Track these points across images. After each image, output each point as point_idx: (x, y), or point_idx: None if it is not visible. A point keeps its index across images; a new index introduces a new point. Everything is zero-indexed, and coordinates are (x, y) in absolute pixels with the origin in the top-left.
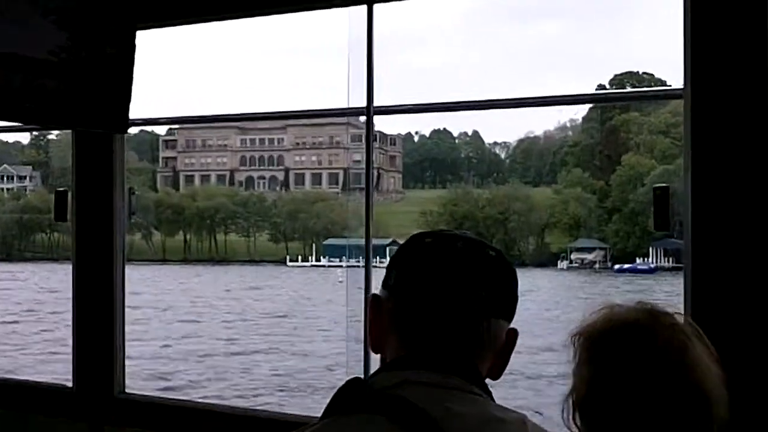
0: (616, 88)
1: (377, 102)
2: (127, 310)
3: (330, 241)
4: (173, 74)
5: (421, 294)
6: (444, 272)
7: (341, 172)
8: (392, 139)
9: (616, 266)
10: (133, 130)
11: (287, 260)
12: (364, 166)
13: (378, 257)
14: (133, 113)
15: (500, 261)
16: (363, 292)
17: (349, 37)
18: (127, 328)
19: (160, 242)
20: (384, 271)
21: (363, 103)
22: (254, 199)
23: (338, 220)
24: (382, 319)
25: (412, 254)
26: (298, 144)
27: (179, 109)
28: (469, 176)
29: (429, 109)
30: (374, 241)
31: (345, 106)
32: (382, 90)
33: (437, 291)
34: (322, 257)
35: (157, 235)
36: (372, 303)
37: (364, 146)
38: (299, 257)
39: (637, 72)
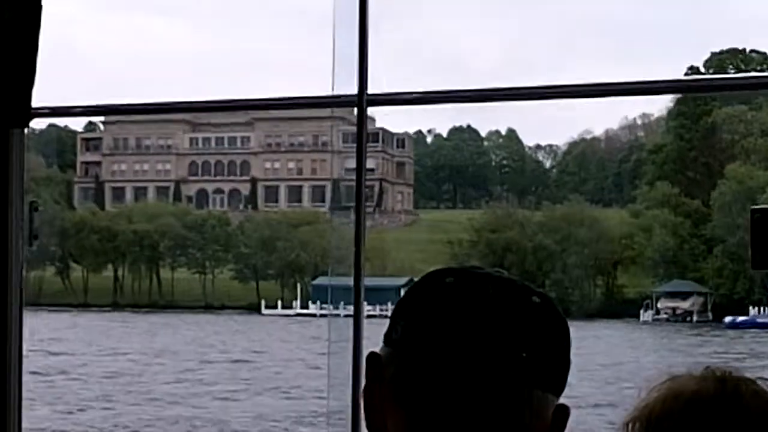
0: (713, 72)
1: (373, 89)
2: (27, 376)
3: (320, 280)
4: (97, 47)
5: (437, 355)
6: (470, 325)
7: (329, 184)
8: (399, 140)
9: (727, 319)
10: (38, 124)
11: (261, 306)
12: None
13: (388, 302)
14: (38, 100)
15: (548, 311)
16: (350, 352)
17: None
18: (25, 401)
19: (81, 280)
20: (387, 322)
21: (353, 90)
22: (213, 221)
23: (330, 251)
24: (382, 389)
25: (426, 299)
26: (269, 145)
27: (105, 96)
28: (502, 191)
29: (445, 99)
30: (379, 281)
31: (329, 93)
32: (380, 72)
33: (460, 351)
34: (310, 302)
35: (77, 270)
36: (369, 366)
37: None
38: (278, 302)
39: (743, 50)
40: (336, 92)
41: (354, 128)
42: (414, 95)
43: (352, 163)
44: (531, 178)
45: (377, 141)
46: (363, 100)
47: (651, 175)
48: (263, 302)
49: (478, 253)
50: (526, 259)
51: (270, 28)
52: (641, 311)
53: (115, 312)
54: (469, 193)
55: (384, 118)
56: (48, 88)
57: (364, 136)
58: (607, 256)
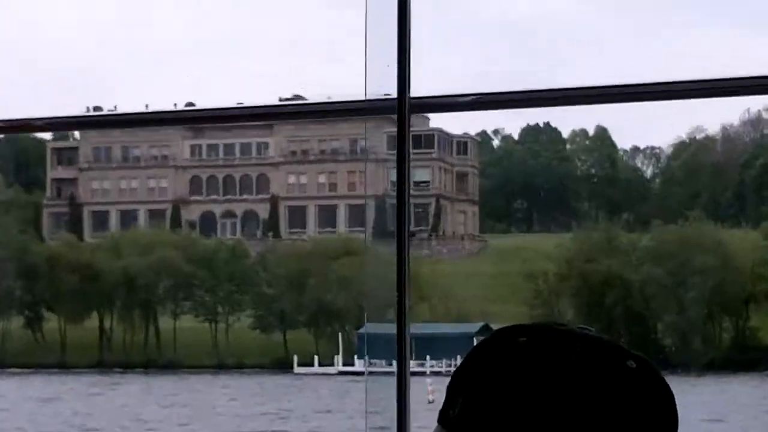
0: None
1: (417, 90)
2: None
3: (370, 327)
4: (68, 39)
5: None
6: (551, 399)
7: (371, 203)
8: (461, 144)
9: None
10: None
11: (294, 364)
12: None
13: (456, 355)
14: None
15: (648, 378)
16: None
17: None
18: None
19: (58, 332)
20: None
21: (391, 91)
22: (225, 254)
23: (381, 289)
24: None
25: (492, 366)
26: (294, 153)
27: (81, 100)
28: (589, 209)
29: (513, 103)
30: (443, 328)
31: (361, 96)
32: (426, 66)
33: (538, 431)
34: (356, 357)
35: (53, 320)
36: None
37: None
38: (315, 358)
39: None
40: (369, 96)
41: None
42: (471, 98)
43: None
44: (626, 191)
45: (432, 146)
46: (405, 104)
47: None
48: (295, 358)
49: (569, 290)
50: (631, 296)
51: (290, 12)
52: None
53: (104, 374)
54: (547, 212)
55: (440, 116)
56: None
57: (407, 150)
58: (737, 291)
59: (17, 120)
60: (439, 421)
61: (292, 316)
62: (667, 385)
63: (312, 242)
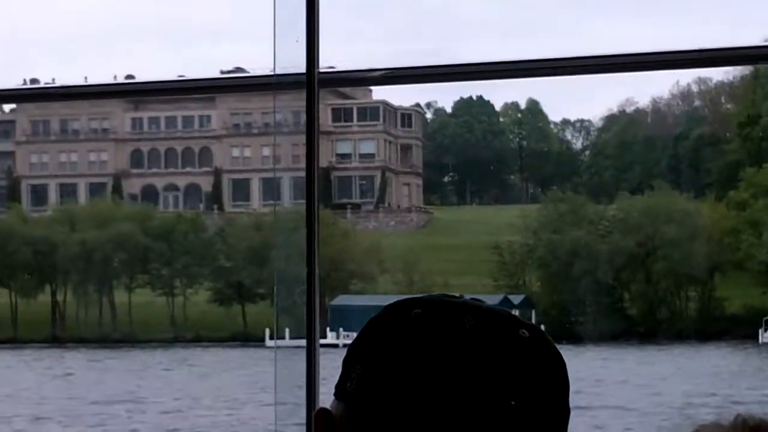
0: None
1: (326, 60)
2: None
3: (341, 299)
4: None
5: (403, 409)
6: (444, 369)
7: (285, 176)
8: (405, 117)
9: None
10: None
11: (266, 336)
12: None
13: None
14: None
15: (540, 346)
16: (305, 406)
17: None
18: None
19: (9, 307)
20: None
21: (299, 63)
22: (184, 227)
23: (347, 260)
24: None
25: (387, 339)
26: (237, 126)
27: (17, 72)
28: (523, 184)
29: (429, 76)
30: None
31: (269, 70)
32: (337, 35)
33: (432, 403)
34: (328, 329)
35: (3, 296)
36: (318, 426)
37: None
38: (286, 332)
39: None
40: (278, 70)
41: (348, 103)
42: (384, 72)
43: (346, 147)
44: (558, 165)
45: (377, 118)
46: (314, 79)
47: (738, 156)
48: (267, 332)
49: (537, 261)
50: (599, 266)
51: None
52: (761, 331)
53: (57, 349)
54: (482, 186)
55: (380, 88)
56: None
57: (315, 125)
58: (702, 261)
59: None
60: (336, 394)
61: (251, 287)
62: (560, 354)
63: (280, 212)
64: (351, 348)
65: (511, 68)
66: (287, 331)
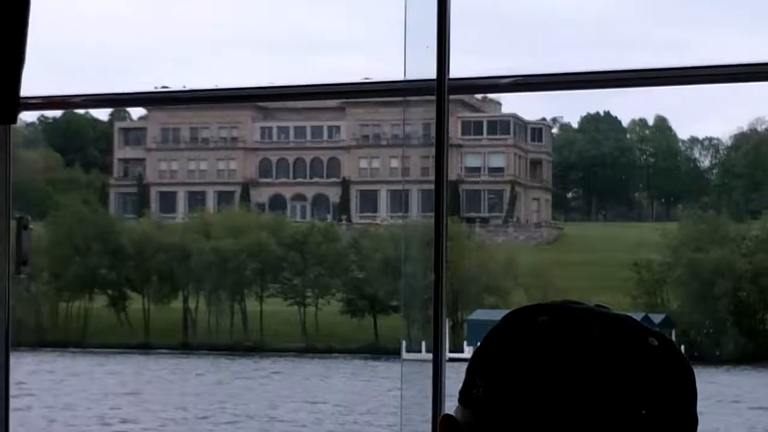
0: None
1: (457, 70)
2: None
3: (478, 314)
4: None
5: (531, 417)
6: (573, 378)
7: (413, 188)
8: (536, 131)
9: None
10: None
11: (402, 349)
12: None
13: None
14: (36, 84)
15: (669, 355)
16: (430, 413)
17: None
18: None
19: (142, 313)
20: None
21: (429, 71)
22: (318, 237)
23: (481, 274)
24: None
25: (513, 346)
26: (366, 138)
27: (143, 78)
28: (649, 201)
29: (557, 84)
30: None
31: (400, 77)
32: (467, 44)
33: (560, 412)
34: (465, 344)
35: (137, 301)
36: (442, 430)
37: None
38: (422, 345)
39: None
40: (408, 77)
41: (478, 116)
42: (513, 79)
43: (475, 161)
44: (684, 182)
45: (507, 132)
46: (444, 85)
47: None
48: (403, 343)
49: (677, 280)
50: (742, 286)
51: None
52: None
53: (188, 356)
54: (605, 201)
55: (508, 102)
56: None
57: (445, 133)
58: None
59: (55, 96)
60: (460, 401)
61: (384, 300)
62: (688, 363)
63: (412, 225)
64: (476, 354)
65: (637, 77)
66: (423, 344)
